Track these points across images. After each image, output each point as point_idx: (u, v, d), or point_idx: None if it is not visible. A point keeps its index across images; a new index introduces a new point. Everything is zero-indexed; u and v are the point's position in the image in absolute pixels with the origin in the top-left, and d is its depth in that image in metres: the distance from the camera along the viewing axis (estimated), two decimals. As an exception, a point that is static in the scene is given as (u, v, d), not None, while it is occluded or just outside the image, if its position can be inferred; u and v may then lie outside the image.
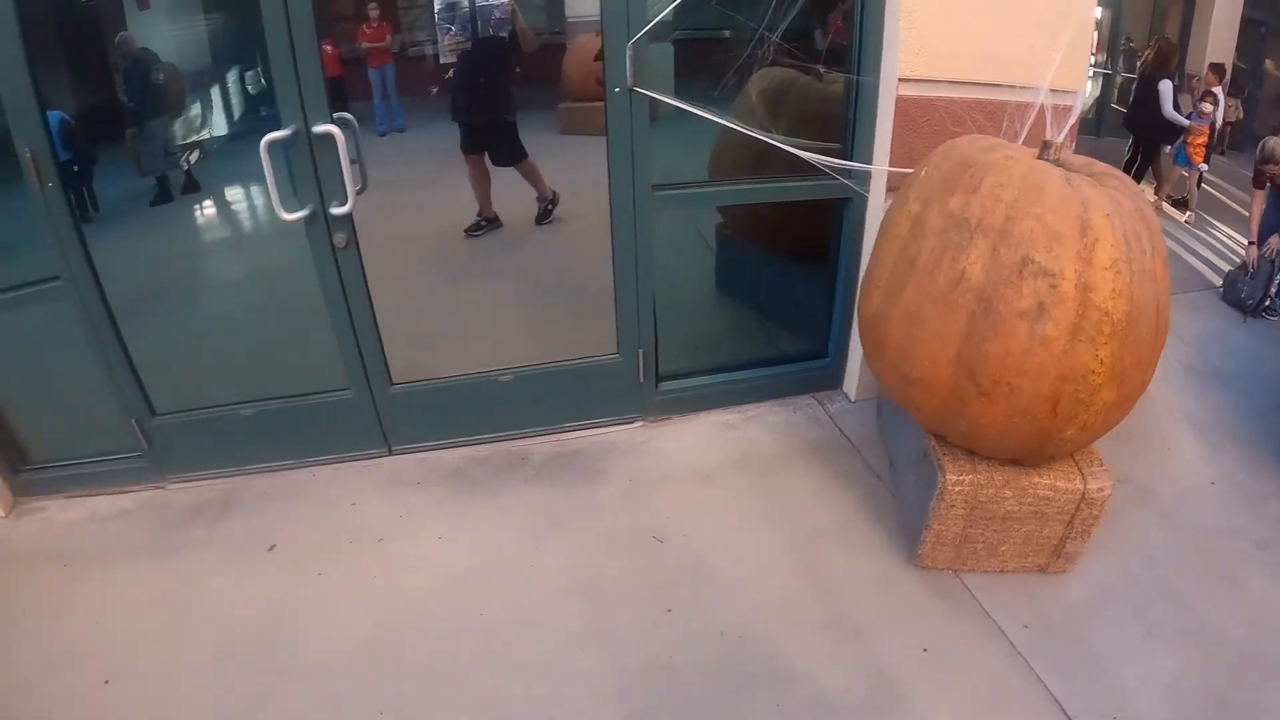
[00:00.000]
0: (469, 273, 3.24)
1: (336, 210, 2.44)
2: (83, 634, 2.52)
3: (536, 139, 3.51)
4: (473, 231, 3.08)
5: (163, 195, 2.93)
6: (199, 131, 3.02)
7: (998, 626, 2.35)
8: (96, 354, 2.73)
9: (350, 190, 2.40)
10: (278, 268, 2.81)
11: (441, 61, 3.26)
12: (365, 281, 2.54)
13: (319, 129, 2.38)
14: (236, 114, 3.10)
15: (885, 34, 2.58)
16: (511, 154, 2.99)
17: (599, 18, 2.48)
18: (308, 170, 2.46)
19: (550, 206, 3.15)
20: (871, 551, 2.51)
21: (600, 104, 3.64)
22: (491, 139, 3.03)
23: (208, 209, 3.09)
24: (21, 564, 2.92)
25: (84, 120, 2.78)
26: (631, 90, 2.42)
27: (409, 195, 3.10)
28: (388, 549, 2.54)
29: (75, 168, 2.75)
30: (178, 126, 3.02)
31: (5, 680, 2.41)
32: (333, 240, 2.49)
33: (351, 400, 2.70)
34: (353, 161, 2.48)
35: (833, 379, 2.84)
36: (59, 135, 2.75)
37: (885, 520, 2.55)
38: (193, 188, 3.03)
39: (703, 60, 2.79)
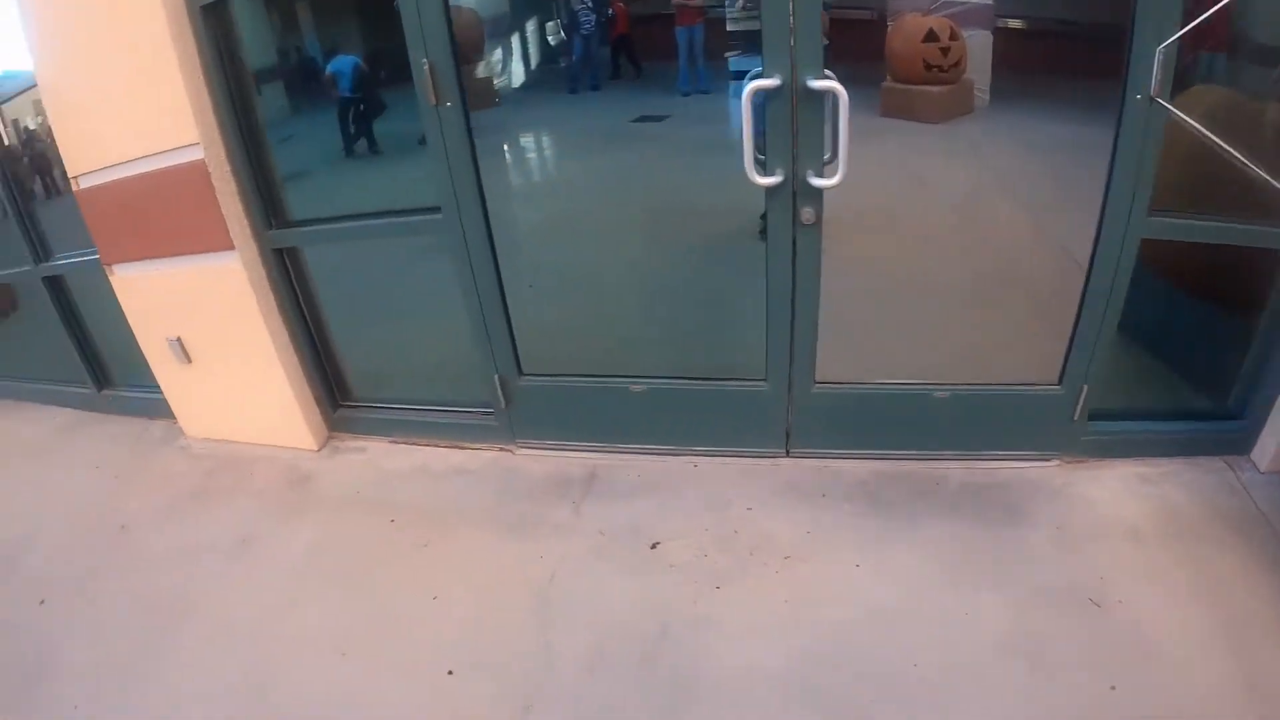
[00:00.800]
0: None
1: (817, 181, 1.91)
2: (421, 607, 2.08)
3: (853, 119, 2.88)
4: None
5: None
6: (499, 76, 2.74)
7: None
8: (469, 298, 2.22)
9: (842, 160, 1.82)
10: (706, 239, 2.24)
11: (728, 30, 2.69)
12: (819, 266, 2.00)
13: (815, 84, 1.81)
14: (535, 63, 2.73)
15: None
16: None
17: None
18: (784, 130, 1.90)
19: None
20: (1306, 654, 2.01)
21: (928, 88, 3.05)
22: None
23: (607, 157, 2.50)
24: (340, 509, 2.41)
25: (372, 64, 2.55)
26: (1153, 100, 1.82)
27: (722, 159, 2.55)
28: (797, 570, 2.08)
29: (362, 107, 2.59)
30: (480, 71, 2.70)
31: (328, 645, 2.01)
32: (799, 215, 1.93)
33: (766, 393, 2.22)
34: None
35: (1242, 444, 2.36)
36: (352, 77, 2.57)
37: (1316, 619, 2.05)
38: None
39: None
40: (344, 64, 2.59)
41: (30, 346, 3.80)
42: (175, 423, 2.98)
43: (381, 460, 2.51)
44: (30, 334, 3.78)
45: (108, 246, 2.69)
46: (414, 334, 2.57)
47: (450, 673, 1.88)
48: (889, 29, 3.00)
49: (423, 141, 2.66)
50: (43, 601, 2.55)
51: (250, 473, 2.64)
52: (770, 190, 1.96)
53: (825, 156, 1.99)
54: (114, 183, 2.55)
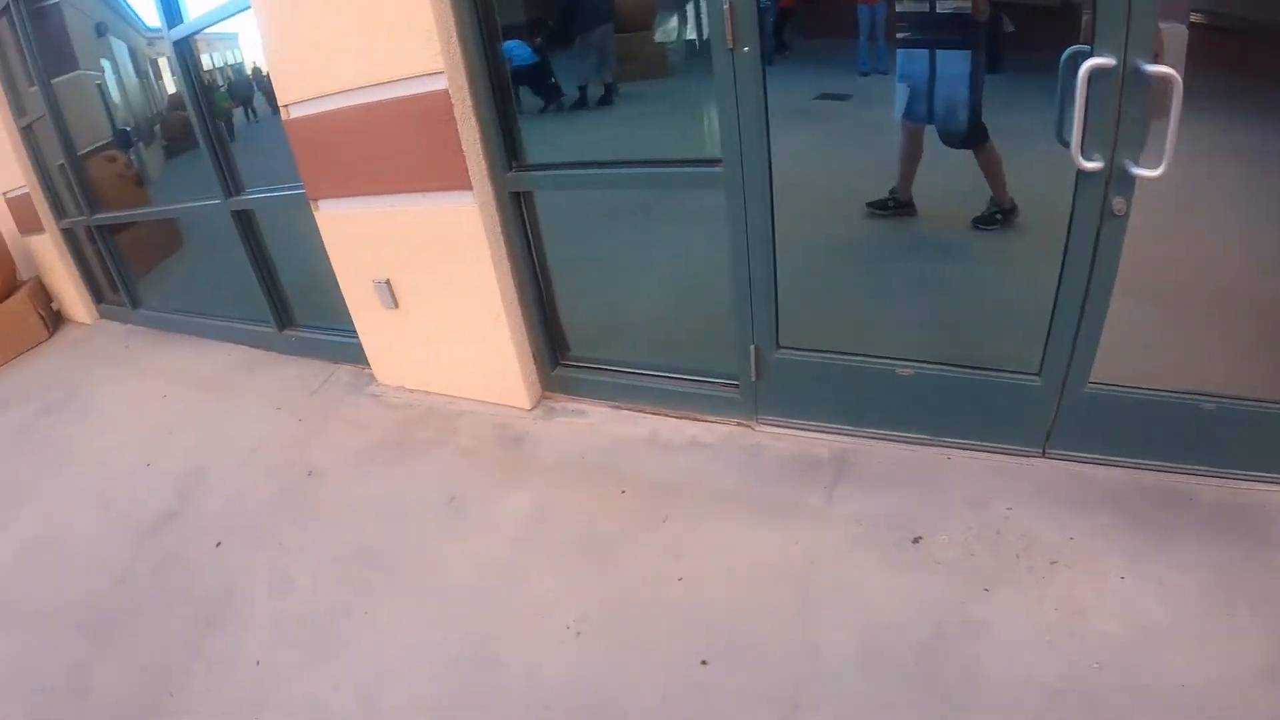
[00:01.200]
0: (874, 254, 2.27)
1: (1139, 171, 1.55)
2: (665, 588, 1.74)
3: (1035, 112, 2.48)
4: (875, 208, 2.17)
5: (580, 103, 2.32)
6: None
7: None
8: (738, 261, 1.89)
9: (1169, 151, 1.50)
10: (915, 222, 1.93)
11: (897, 10, 2.28)
12: (1118, 259, 1.67)
13: (1150, 68, 1.48)
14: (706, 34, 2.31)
15: None
16: (967, 134, 2.05)
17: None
18: (1108, 114, 1.55)
19: (999, 216, 2.19)
20: None
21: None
22: (943, 110, 2.11)
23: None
24: (563, 475, 2.06)
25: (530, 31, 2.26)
26: None
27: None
28: (1063, 577, 1.73)
29: (552, 80, 2.31)
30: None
31: (560, 622, 1.69)
32: (1110, 204, 1.61)
33: (1037, 388, 1.86)
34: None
35: None
36: (529, 50, 2.28)
37: None
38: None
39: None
40: (513, 43, 2.33)
41: (198, 282, 3.41)
42: (365, 369, 2.61)
43: (606, 426, 2.14)
44: (198, 270, 3.41)
45: (316, 181, 2.32)
46: (642, 294, 2.19)
47: (704, 663, 1.57)
48: (1087, 18, 2.53)
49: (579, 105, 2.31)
50: (219, 544, 2.20)
51: (454, 428, 2.27)
52: (1082, 176, 1.60)
53: (1145, 145, 1.60)
54: (331, 113, 2.19)
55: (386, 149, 2.12)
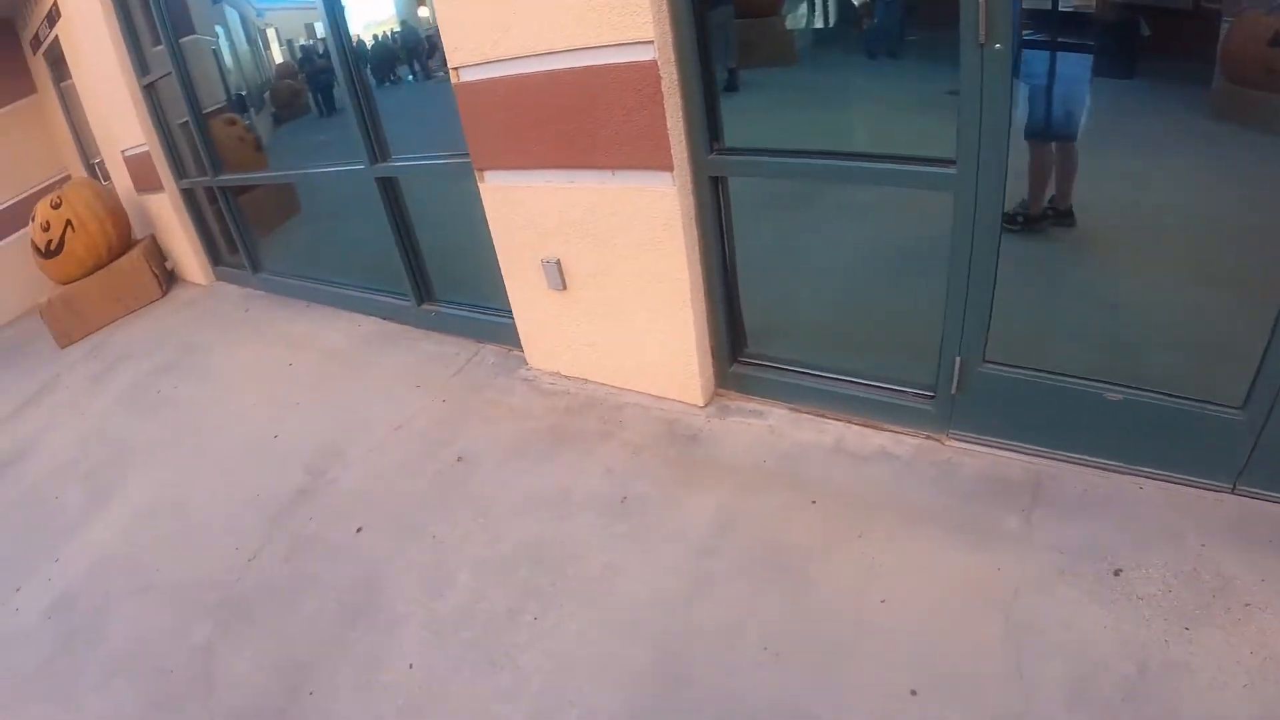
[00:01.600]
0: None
1: None
2: (867, 610, 1.52)
3: (1173, 119, 2.23)
4: (1010, 224, 1.90)
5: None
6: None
7: None
8: (957, 269, 1.62)
9: None
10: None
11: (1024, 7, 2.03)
12: None
13: None
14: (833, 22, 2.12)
15: None
16: (1047, 129, 1.83)
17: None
18: None
19: (1050, 212, 1.96)
20: None
21: (1275, 96, 2.33)
22: (1060, 110, 1.88)
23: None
24: (745, 480, 1.87)
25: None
26: None
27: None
28: (1258, 619, 1.47)
29: None
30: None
31: (755, 640, 1.45)
32: None
33: (1238, 423, 1.58)
34: None
35: None
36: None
37: None
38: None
39: None
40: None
41: (321, 249, 3.12)
42: (513, 350, 2.35)
43: (786, 429, 1.89)
44: (319, 237, 3.13)
45: (484, 150, 2.07)
46: (816, 290, 1.94)
47: (914, 693, 1.36)
48: (1227, 25, 2.22)
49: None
50: (360, 529, 1.96)
51: (619, 421, 2.01)
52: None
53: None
54: (508, 78, 1.94)
55: (572, 121, 1.87)
